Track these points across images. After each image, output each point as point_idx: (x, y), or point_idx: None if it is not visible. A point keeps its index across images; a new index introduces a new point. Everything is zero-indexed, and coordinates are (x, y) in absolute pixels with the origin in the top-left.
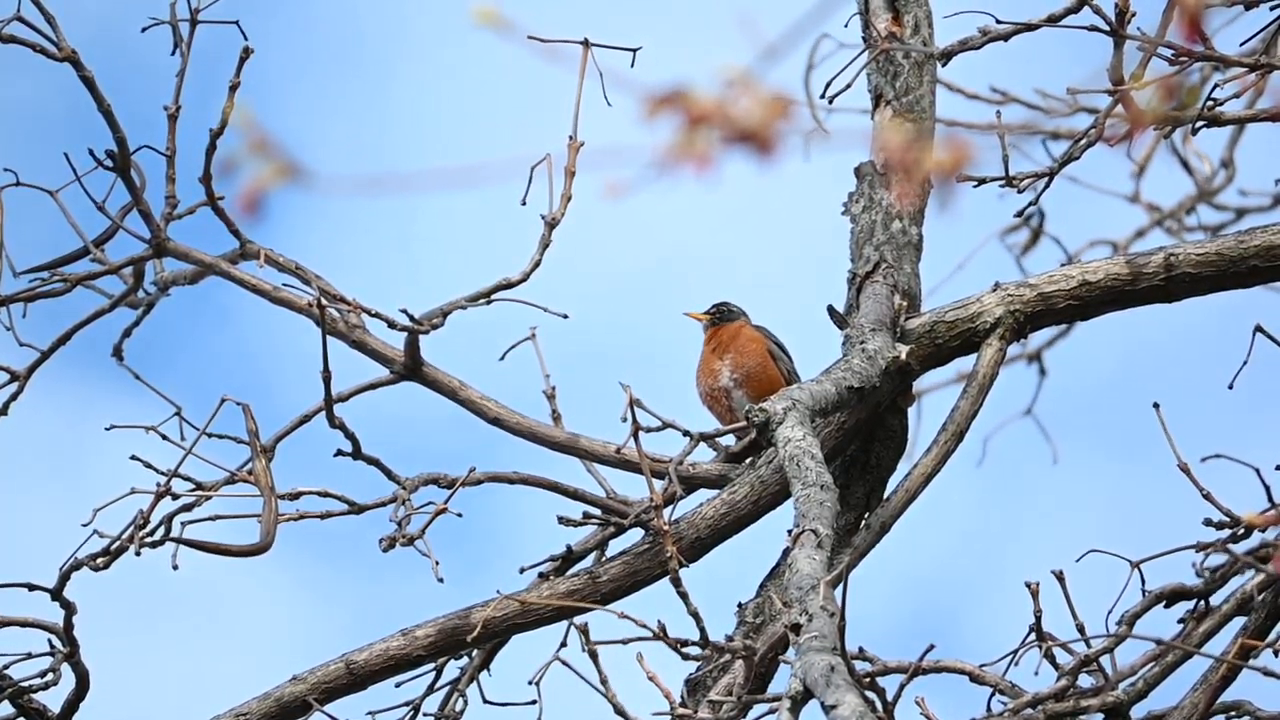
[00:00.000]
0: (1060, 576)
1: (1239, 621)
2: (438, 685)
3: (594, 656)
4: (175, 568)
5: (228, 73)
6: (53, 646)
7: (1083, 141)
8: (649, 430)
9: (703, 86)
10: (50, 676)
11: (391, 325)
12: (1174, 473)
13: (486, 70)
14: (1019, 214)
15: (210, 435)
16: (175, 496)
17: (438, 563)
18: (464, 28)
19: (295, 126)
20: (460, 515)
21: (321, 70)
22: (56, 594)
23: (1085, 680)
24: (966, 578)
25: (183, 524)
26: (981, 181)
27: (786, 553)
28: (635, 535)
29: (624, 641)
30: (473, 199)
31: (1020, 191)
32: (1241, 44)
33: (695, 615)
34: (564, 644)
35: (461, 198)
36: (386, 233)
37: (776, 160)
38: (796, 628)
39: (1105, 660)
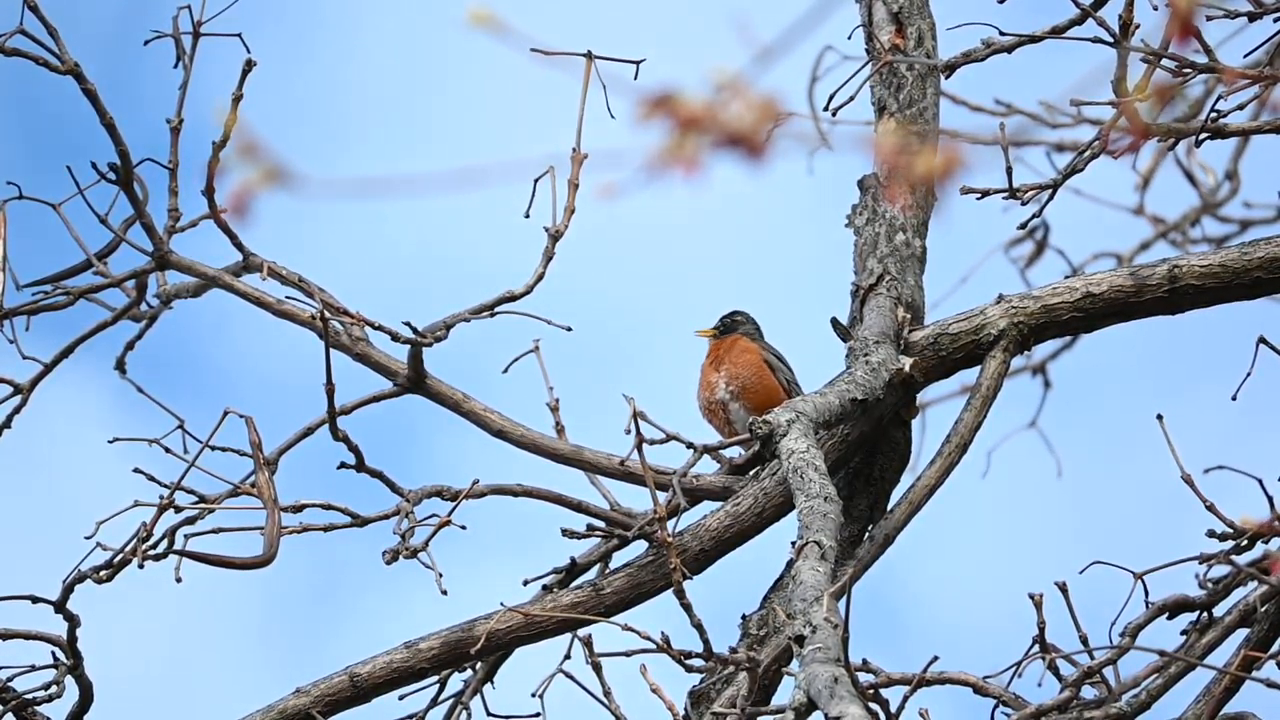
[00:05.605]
0: (1063, 588)
1: (1242, 633)
2: (441, 698)
3: (597, 669)
4: (178, 580)
5: (230, 84)
6: (56, 659)
7: (1086, 153)
8: (653, 442)
9: (694, 90)
10: (54, 689)
11: (395, 338)
12: (1177, 484)
13: (482, 73)
14: (1023, 226)
15: (213, 448)
16: (178, 509)
17: (441, 575)
18: (458, 30)
19: (288, 133)
20: (464, 528)
21: (315, 75)
22: (60, 606)
23: (1088, 692)
24: (969, 589)
25: (186, 537)
26: (985, 194)
27: (790, 565)
28: (639, 547)
29: (628, 654)
30: (475, 209)
31: (1024, 204)
32: (1245, 56)
33: (699, 627)
34: (568, 656)
35: (462, 203)
36: (383, 243)
37: (766, 164)
38: (800, 639)
39: (1109, 672)
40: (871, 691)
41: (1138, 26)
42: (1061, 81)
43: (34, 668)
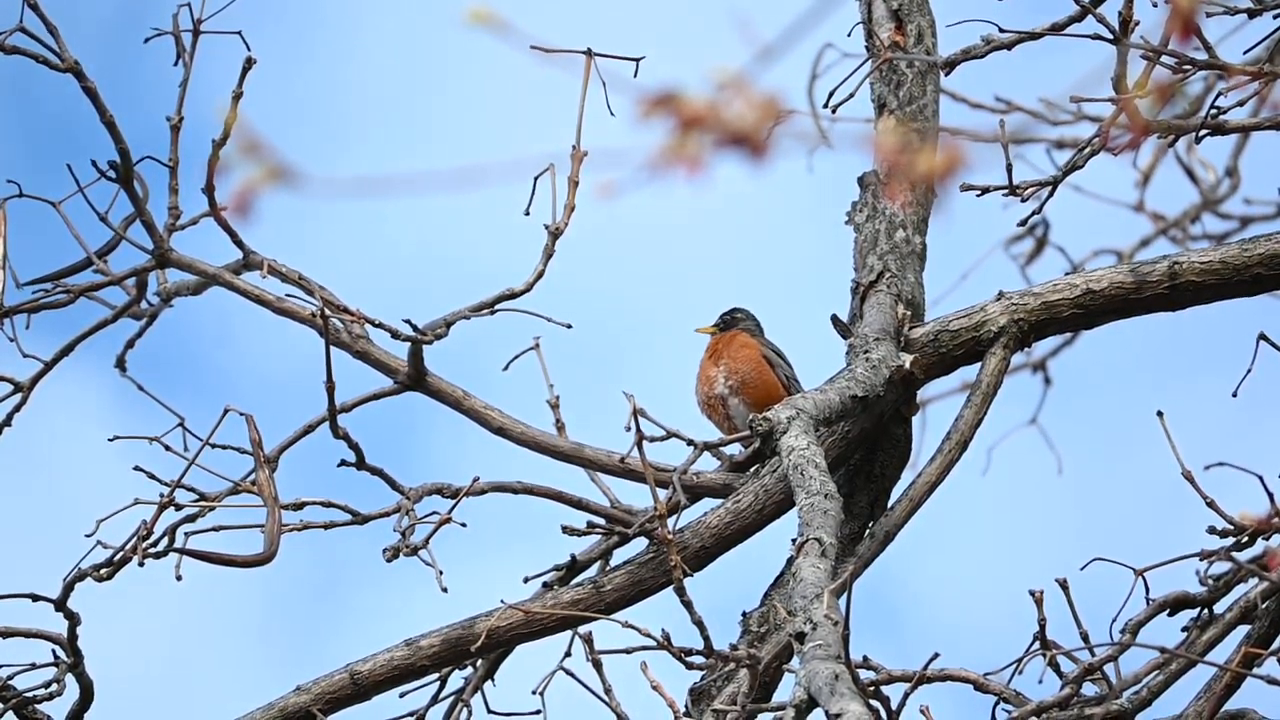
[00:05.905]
0: (1064, 585)
1: (1243, 630)
2: (442, 695)
3: (598, 666)
4: (179, 578)
5: (231, 82)
6: (57, 657)
7: (1086, 150)
8: (653, 439)
9: (695, 88)
10: (55, 687)
11: (395, 335)
12: (1178, 481)
13: (482, 72)
14: (1023, 223)
15: (214, 446)
16: (179, 507)
17: (441, 573)
18: (458, 29)
19: (288, 131)
20: (464, 525)
21: (315, 74)
22: (60, 605)
23: (1089, 689)
24: (970, 586)
25: (186, 535)
26: (985, 190)
27: (790, 561)
28: (639, 545)
29: (628, 651)
30: (475, 208)
31: (1024, 200)
32: (1245, 52)
33: (699, 624)
34: (568, 654)
35: (462, 203)
36: (383, 242)
37: (768, 163)
38: (800, 636)
39: (1109, 669)
40: (872, 688)
41: (1138, 23)
42: (1062, 78)
43: (34, 666)
